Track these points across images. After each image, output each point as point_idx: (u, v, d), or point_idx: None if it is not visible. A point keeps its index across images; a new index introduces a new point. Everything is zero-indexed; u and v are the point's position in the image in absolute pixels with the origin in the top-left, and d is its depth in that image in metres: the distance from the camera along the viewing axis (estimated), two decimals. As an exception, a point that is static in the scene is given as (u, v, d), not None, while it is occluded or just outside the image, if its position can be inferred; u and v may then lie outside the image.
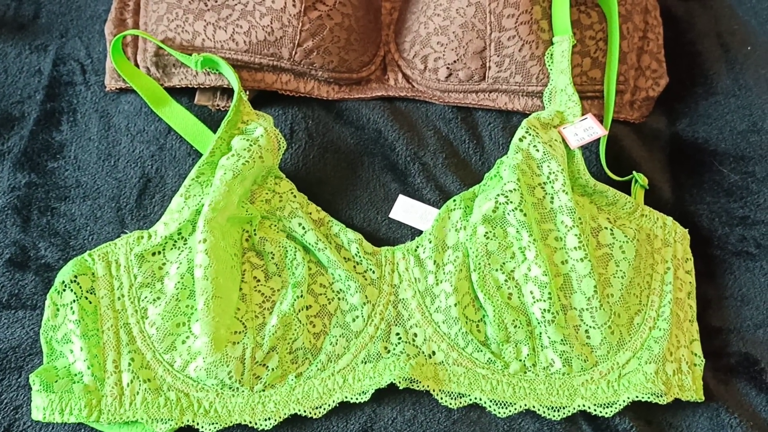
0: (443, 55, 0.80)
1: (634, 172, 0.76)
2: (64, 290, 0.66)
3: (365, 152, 0.80)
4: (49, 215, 0.75)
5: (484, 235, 0.69)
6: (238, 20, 0.77)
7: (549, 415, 0.66)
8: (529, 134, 0.71)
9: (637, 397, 0.66)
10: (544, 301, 0.66)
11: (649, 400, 0.65)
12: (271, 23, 0.76)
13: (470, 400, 0.67)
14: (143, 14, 0.82)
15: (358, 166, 0.79)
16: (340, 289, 0.70)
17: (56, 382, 0.64)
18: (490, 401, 0.67)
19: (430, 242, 0.71)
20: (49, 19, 0.87)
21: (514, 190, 0.69)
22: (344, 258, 0.71)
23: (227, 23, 0.77)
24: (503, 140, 0.81)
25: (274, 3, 0.76)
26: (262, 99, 0.81)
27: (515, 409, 0.66)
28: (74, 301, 0.66)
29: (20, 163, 0.78)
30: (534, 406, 0.66)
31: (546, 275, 0.66)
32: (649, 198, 0.77)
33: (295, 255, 0.69)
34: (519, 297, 0.68)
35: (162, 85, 0.80)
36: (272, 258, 0.70)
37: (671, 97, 0.85)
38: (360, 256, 0.71)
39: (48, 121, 0.80)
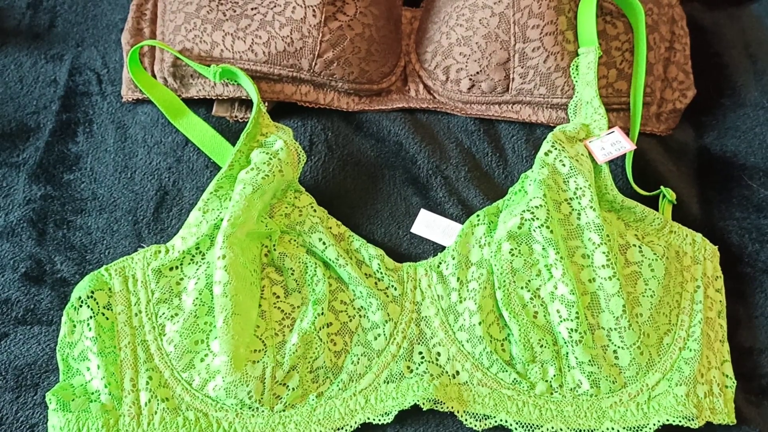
0: (466, 66, 0.78)
1: (662, 187, 0.74)
2: (81, 306, 0.65)
3: (386, 165, 0.79)
4: (65, 228, 0.74)
5: (509, 252, 0.67)
6: (257, 30, 0.75)
7: (577, 438, 0.64)
8: (555, 148, 0.70)
9: (668, 420, 0.64)
10: (572, 320, 0.65)
11: (680, 424, 0.63)
12: (291, 34, 0.75)
13: (496, 422, 0.65)
14: (160, 24, 0.81)
15: (378, 180, 0.78)
16: (361, 307, 0.68)
17: (73, 400, 0.63)
18: (516, 423, 0.65)
19: (453, 258, 0.70)
20: (64, 28, 0.86)
21: (541, 206, 0.67)
22: (365, 274, 0.70)
23: (246, 33, 0.75)
24: (527, 153, 0.80)
25: (293, 13, 0.75)
26: (280, 110, 0.80)
27: (542, 431, 0.64)
28: (91, 317, 0.65)
29: (36, 175, 0.76)
30: (561, 429, 0.65)
31: (573, 294, 0.65)
32: (676, 213, 0.75)
33: (315, 271, 0.68)
34: (545, 316, 0.66)
35: (179, 96, 0.79)
36: (292, 274, 0.68)
37: (698, 110, 0.84)
38: (381, 273, 0.70)
39: (64, 132, 0.79)
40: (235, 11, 0.76)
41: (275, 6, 0.75)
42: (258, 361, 0.64)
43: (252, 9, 0.76)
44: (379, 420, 0.64)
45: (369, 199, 0.77)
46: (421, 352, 0.67)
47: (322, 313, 0.66)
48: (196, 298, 0.66)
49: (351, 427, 0.64)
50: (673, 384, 0.65)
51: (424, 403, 0.64)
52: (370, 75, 0.79)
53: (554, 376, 0.65)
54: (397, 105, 0.81)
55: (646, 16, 0.79)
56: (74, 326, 0.65)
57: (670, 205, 0.74)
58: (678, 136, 0.83)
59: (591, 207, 0.67)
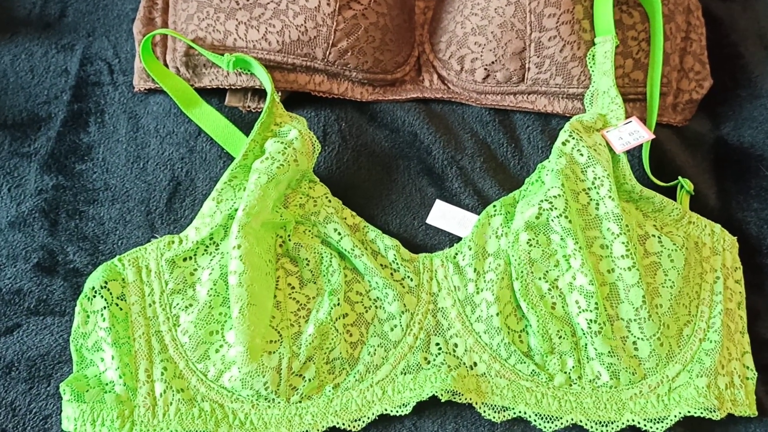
0: (481, 55, 0.77)
1: (679, 178, 0.74)
2: (95, 296, 0.64)
3: (400, 155, 0.78)
4: (78, 219, 0.73)
5: (527, 243, 0.66)
6: (270, 19, 0.74)
7: (597, 429, 0.64)
8: (573, 138, 0.69)
9: (689, 412, 0.63)
10: (591, 311, 0.64)
11: (701, 416, 0.63)
12: (305, 22, 0.74)
13: (514, 413, 0.64)
14: (172, 13, 0.80)
15: (393, 170, 0.77)
16: (377, 297, 0.68)
17: (87, 391, 0.62)
18: (535, 415, 0.64)
19: (470, 249, 0.69)
20: (75, 17, 0.85)
21: (559, 195, 0.66)
22: (381, 265, 0.69)
23: (260, 22, 0.75)
24: (542, 143, 0.79)
25: (308, 2, 0.74)
26: (293, 100, 0.79)
27: (561, 423, 0.64)
28: (105, 307, 0.64)
29: (47, 165, 0.76)
30: (581, 421, 0.64)
31: (592, 284, 0.64)
32: (693, 204, 0.75)
33: (330, 261, 0.67)
34: (563, 307, 0.65)
35: (192, 85, 0.78)
36: (307, 264, 0.67)
37: (714, 100, 0.83)
38: (398, 263, 0.69)
39: (75, 122, 0.78)
40: (248, 0, 0.75)
41: (289, -6, 0.74)
42: (274, 352, 0.63)
43: (266, -3, 0.75)
44: (397, 411, 0.64)
45: (384, 189, 0.76)
46: (438, 343, 0.66)
47: (338, 304, 0.65)
48: (211, 289, 0.65)
49: (368, 418, 0.64)
50: (693, 375, 0.65)
51: (442, 395, 0.63)
52: (384, 65, 0.79)
53: (573, 367, 0.65)
54: (412, 95, 0.81)
55: (662, 6, 0.78)
56: (88, 317, 0.64)
57: (688, 196, 0.74)
58: (694, 126, 0.82)
59: (610, 197, 0.66)
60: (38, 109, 0.79)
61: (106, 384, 0.63)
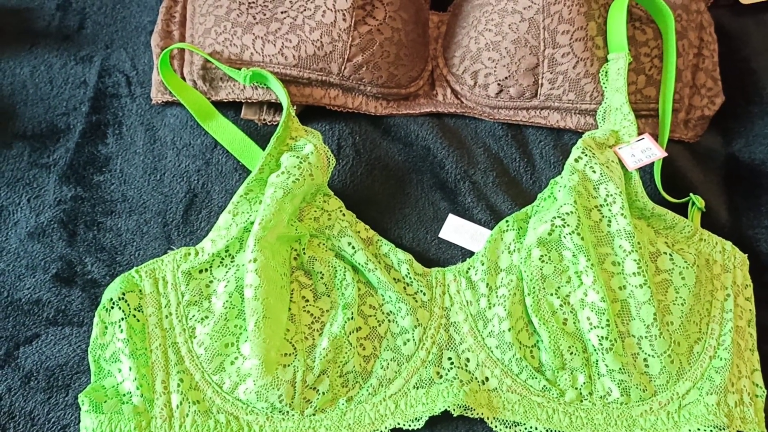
0: (494, 70, 0.78)
1: (691, 194, 0.74)
2: (113, 308, 0.65)
3: (414, 170, 0.79)
4: (96, 230, 0.74)
5: (539, 259, 0.67)
6: (287, 34, 0.75)
7: (607, 446, 0.64)
8: (586, 155, 0.70)
9: (698, 429, 0.64)
10: (602, 328, 0.64)
11: (711, 433, 0.63)
12: (321, 38, 0.75)
13: (525, 429, 0.65)
14: (189, 26, 0.81)
15: (406, 184, 0.78)
16: (390, 311, 0.69)
17: (105, 402, 0.63)
18: (546, 431, 0.65)
19: (483, 264, 0.70)
20: (94, 29, 0.86)
21: (571, 212, 0.67)
22: (394, 279, 0.70)
23: (276, 37, 0.76)
24: (554, 159, 0.80)
25: (324, 17, 0.75)
26: (308, 114, 0.80)
27: (572, 439, 0.65)
28: (122, 318, 0.65)
29: (66, 176, 0.77)
30: (591, 437, 0.64)
31: (604, 301, 0.65)
32: (704, 221, 0.75)
33: (344, 275, 0.68)
34: (574, 323, 0.66)
35: (209, 98, 0.79)
36: (321, 278, 0.68)
37: (726, 116, 0.83)
38: (410, 278, 0.70)
39: (93, 133, 0.80)
40: (265, 14, 0.76)
41: (305, 10, 0.75)
42: (289, 365, 0.64)
43: (282, 12, 0.76)
44: (410, 425, 0.64)
45: (397, 203, 0.77)
46: (450, 358, 0.67)
47: (352, 318, 0.66)
48: (226, 301, 0.66)
49: (381, 432, 0.65)
50: (703, 393, 0.65)
51: (454, 410, 0.64)
52: (398, 79, 0.80)
53: (584, 383, 0.65)
54: (425, 109, 0.81)
55: (675, 22, 0.79)
56: (106, 328, 0.65)
57: (699, 213, 0.74)
58: (706, 143, 0.82)
59: (622, 214, 0.67)
60: (57, 121, 0.80)
61: (124, 395, 0.64)
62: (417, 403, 0.65)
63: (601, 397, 0.65)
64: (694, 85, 0.82)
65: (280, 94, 0.75)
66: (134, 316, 0.66)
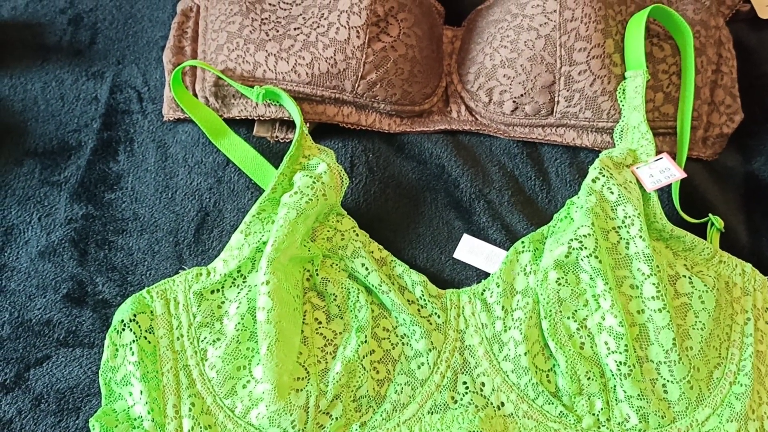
0: (510, 88, 0.77)
1: (710, 215, 0.73)
2: (123, 330, 0.64)
3: (428, 188, 0.78)
4: (107, 249, 0.74)
5: (556, 281, 0.66)
6: (300, 51, 0.75)
7: (625, 474, 0.63)
8: (603, 175, 0.68)
9: (719, 458, 0.62)
10: (620, 353, 0.63)
11: (732, 462, 0.62)
12: (335, 55, 0.74)
13: (542, 456, 0.64)
14: (202, 42, 0.80)
15: (420, 203, 0.77)
16: (404, 334, 0.68)
17: (116, 426, 0.62)
18: (563, 458, 0.64)
19: (498, 286, 0.69)
20: (105, 45, 0.86)
21: (589, 235, 0.66)
22: (408, 301, 0.69)
23: (289, 54, 0.75)
24: (570, 177, 0.79)
25: (337, 34, 0.74)
26: (321, 130, 0.79)
27: (589, 467, 0.63)
28: (133, 341, 0.64)
29: (77, 194, 0.76)
30: (609, 465, 0.63)
31: (622, 326, 0.63)
32: (723, 241, 0.74)
33: (358, 297, 0.67)
34: (592, 347, 0.65)
35: (221, 116, 0.78)
36: (334, 299, 0.67)
37: (745, 134, 0.82)
38: (425, 300, 0.69)
39: (105, 150, 0.79)
40: (278, 31, 0.76)
41: (319, 27, 0.74)
42: (302, 390, 0.63)
43: (295, 29, 0.75)
44: (424, 452, 0.63)
45: (411, 222, 0.76)
46: (465, 382, 0.66)
47: (365, 341, 0.65)
48: (238, 323, 0.65)
49: (395, 458, 0.64)
50: (723, 420, 0.64)
51: (469, 436, 0.63)
52: (412, 96, 0.79)
53: (602, 409, 0.64)
54: (439, 127, 0.81)
55: (694, 39, 0.78)
56: (117, 350, 0.64)
57: (719, 234, 0.73)
58: (724, 160, 0.81)
59: (640, 236, 0.66)
60: (68, 138, 0.80)
61: (135, 419, 0.63)
62: (431, 429, 0.64)
63: (618, 424, 0.64)
64: (712, 102, 0.81)
65: (293, 111, 0.74)
66: (145, 338, 0.65)
